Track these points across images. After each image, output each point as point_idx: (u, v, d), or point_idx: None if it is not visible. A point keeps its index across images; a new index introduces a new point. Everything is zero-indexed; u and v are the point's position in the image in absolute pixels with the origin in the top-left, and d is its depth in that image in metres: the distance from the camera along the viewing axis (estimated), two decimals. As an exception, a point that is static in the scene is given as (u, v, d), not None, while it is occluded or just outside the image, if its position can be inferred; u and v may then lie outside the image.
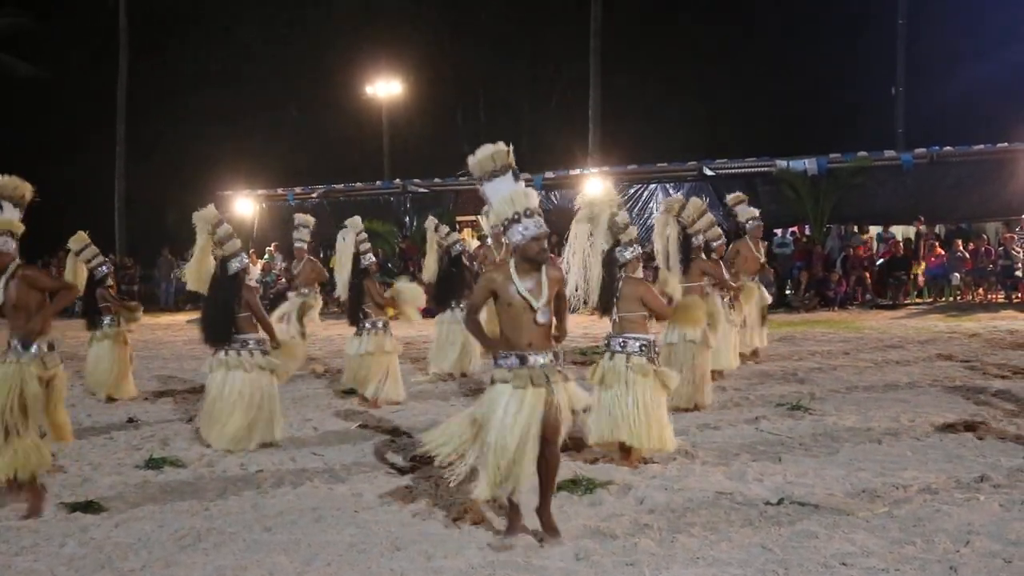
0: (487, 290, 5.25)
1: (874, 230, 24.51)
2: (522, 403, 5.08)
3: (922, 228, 21.87)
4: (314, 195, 28.45)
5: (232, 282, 7.81)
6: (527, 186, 5.32)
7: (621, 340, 6.93)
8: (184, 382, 12.04)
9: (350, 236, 10.02)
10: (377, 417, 9.16)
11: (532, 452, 5.11)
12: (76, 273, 10.42)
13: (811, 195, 22.85)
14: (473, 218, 13.10)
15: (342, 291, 10.11)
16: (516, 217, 5.11)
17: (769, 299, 12.50)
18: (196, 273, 7.95)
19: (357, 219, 10.18)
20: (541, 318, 5.17)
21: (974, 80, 33.55)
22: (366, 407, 9.73)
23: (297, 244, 13.54)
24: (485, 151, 5.27)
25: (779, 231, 23.94)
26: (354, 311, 10.00)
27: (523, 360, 5.15)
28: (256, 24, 39.92)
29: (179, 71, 39.34)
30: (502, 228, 5.22)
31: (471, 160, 5.31)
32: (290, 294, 13.27)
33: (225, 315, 7.83)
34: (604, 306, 6.90)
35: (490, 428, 5.10)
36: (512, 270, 5.17)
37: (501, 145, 5.28)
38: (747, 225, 12.28)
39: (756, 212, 12.49)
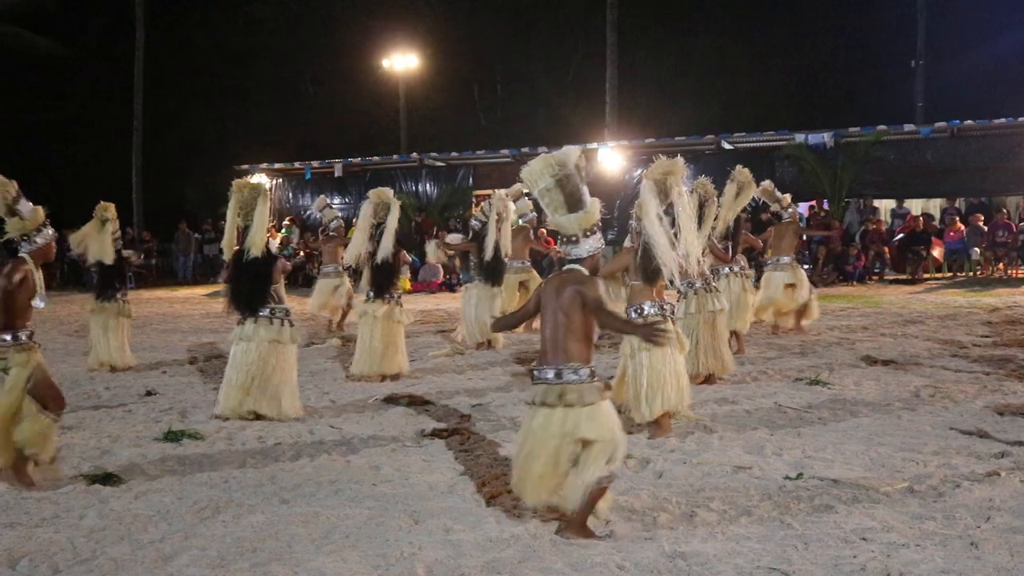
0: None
1: (889, 204, 24.32)
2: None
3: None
4: (332, 170, 28.42)
5: (271, 254, 8.00)
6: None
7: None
8: (203, 355, 12.10)
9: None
10: (394, 390, 9.18)
11: None
12: (104, 243, 10.54)
13: (829, 169, 22.67)
14: (490, 192, 13.01)
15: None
16: (594, 230, 4.97)
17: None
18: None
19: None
20: None
21: (995, 53, 33.23)
22: (385, 380, 9.79)
23: (336, 222, 13.84)
24: (537, 163, 4.94)
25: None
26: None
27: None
28: (272, -1, 39.89)
29: (196, 46, 39.33)
30: (574, 240, 4.93)
31: (524, 171, 4.98)
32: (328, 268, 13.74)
33: (264, 285, 8.00)
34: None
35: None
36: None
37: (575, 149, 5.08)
38: (788, 211, 12.53)
39: (789, 197, 12.74)
